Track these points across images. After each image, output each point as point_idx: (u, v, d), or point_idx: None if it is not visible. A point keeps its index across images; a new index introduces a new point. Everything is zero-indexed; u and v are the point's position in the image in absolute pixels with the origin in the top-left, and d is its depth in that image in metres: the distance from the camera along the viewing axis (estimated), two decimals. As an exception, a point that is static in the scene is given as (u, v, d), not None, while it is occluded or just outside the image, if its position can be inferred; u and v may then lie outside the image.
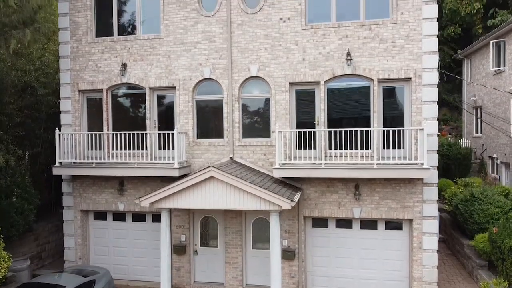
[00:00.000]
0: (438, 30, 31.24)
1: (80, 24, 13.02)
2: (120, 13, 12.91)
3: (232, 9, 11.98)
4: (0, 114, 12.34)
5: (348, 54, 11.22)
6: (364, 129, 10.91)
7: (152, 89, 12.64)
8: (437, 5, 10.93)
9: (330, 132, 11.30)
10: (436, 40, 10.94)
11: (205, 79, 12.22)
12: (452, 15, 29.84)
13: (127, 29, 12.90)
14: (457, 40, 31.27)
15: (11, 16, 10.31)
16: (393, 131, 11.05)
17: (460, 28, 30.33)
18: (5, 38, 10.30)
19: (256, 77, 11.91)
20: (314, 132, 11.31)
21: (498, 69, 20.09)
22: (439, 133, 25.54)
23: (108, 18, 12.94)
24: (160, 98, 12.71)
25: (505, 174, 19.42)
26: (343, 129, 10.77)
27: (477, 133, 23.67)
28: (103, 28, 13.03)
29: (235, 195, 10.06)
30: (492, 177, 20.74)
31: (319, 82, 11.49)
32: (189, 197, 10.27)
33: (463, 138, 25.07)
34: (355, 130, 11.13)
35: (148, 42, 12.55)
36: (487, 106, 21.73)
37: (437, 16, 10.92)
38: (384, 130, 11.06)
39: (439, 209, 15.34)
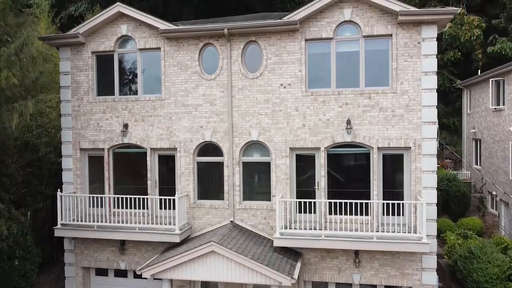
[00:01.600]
0: (438, 53, 31.43)
1: (82, 83, 13.10)
2: (121, 73, 12.97)
3: (233, 73, 12.05)
4: (2, 176, 12.43)
5: (348, 122, 11.30)
6: (364, 201, 10.98)
7: (153, 149, 12.72)
8: (436, 76, 11.01)
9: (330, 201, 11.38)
10: (435, 110, 11.02)
11: (206, 142, 12.30)
12: (452, 40, 29.91)
13: (129, 89, 12.97)
14: (456, 64, 31.34)
15: (14, 90, 10.38)
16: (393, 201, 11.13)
17: (460, 53, 30.39)
18: (7, 111, 10.37)
19: (257, 141, 11.99)
20: (314, 202, 11.37)
21: (497, 107, 20.16)
22: (439, 165, 25.61)
23: (110, 78, 13.01)
24: (161, 158, 12.79)
25: (505, 212, 19.49)
26: (342, 201, 10.83)
27: (477, 164, 23.75)
28: (104, 87, 13.10)
29: (236, 269, 10.16)
30: (491, 213, 20.82)
31: (319, 148, 11.57)
32: (190, 269, 10.37)
33: (463, 169, 25.14)
34: (355, 202, 11.22)
35: (150, 103, 12.62)
36: (487, 140, 21.80)
37: (436, 87, 11.00)
38: (384, 203, 11.15)
39: (438, 255, 15.42)
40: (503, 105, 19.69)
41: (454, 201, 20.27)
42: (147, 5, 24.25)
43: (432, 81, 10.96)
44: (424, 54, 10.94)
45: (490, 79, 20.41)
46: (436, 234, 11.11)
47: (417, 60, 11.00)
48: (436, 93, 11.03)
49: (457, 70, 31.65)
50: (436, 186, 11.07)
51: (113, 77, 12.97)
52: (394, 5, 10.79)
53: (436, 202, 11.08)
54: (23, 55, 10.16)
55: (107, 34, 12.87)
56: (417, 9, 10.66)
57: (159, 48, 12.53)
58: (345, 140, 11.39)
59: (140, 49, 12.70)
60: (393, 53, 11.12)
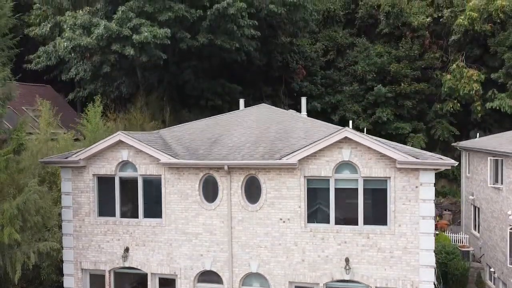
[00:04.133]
0: (437, 104, 31.61)
1: (83, 204, 13.23)
2: (122, 195, 13.10)
3: (233, 205, 12.18)
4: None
5: (347, 260, 11.43)
6: None
7: (154, 274, 12.85)
8: (434, 221, 11.14)
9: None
10: (433, 255, 11.15)
11: (206, 270, 12.44)
12: (451, 92, 30.03)
13: (130, 212, 13.09)
14: (456, 114, 31.46)
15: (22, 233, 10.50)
16: None
17: (459, 104, 30.51)
18: (10, 257, 10.51)
19: (257, 273, 12.12)
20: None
21: (495, 186, 20.27)
22: (436, 223, 25.71)
23: (111, 200, 13.13)
24: (162, 281, 12.91)
25: (503, 290, 19.63)
26: None
27: (475, 230, 23.86)
28: (106, 208, 13.23)
29: None
30: (490, 288, 20.96)
31: (318, 283, 11.71)
32: None
33: (462, 232, 25.26)
34: None
35: (150, 228, 12.76)
36: (485, 212, 21.92)
37: (434, 232, 11.13)
38: None
39: None
40: (501, 184, 19.79)
41: (452, 278, 20.39)
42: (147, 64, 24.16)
43: (430, 226, 11.08)
44: (422, 198, 11.07)
45: (489, 158, 20.52)
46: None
47: (415, 204, 11.13)
48: (433, 238, 11.17)
49: (456, 120, 31.77)
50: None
51: (114, 200, 13.10)
52: (392, 153, 10.91)
53: None
54: (26, 207, 10.30)
55: (108, 158, 13.00)
56: (415, 159, 10.79)
57: (160, 175, 12.67)
58: (344, 278, 11.52)
59: (141, 175, 12.84)
60: (391, 196, 11.26)
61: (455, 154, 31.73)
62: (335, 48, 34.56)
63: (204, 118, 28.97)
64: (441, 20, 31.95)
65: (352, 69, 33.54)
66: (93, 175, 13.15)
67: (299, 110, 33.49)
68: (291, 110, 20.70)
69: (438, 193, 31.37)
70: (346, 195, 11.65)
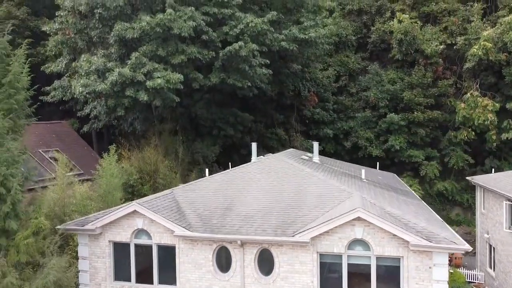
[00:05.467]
0: (451, 132, 31.28)
1: (99, 269, 13.48)
2: (138, 262, 13.31)
3: (246, 277, 12.30)
4: None
5: (360, 337, 11.46)
6: None
7: None
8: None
9: None
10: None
11: None
12: (465, 121, 29.73)
13: (145, 278, 13.30)
14: (470, 143, 31.11)
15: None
16: None
17: (473, 133, 30.18)
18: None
19: None
20: None
21: (511, 230, 20.04)
22: (450, 258, 25.48)
23: (127, 265, 13.35)
24: None
25: (519, 337, 19.39)
26: None
27: (491, 269, 23.59)
28: (121, 273, 13.45)
29: None
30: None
31: None
32: None
33: (477, 268, 24.99)
34: None
35: (165, 296, 12.96)
36: (501, 254, 21.66)
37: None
38: None
39: None
40: (517, 229, 19.56)
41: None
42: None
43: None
44: (436, 279, 11.04)
45: (504, 202, 20.29)
46: None
47: (428, 285, 11.10)
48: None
49: (471, 148, 31.42)
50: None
51: (130, 265, 13.33)
52: (405, 235, 10.91)
53: None
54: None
55: (123, 226, 13.24)
56: (428, 243, 10.77)
57: (174, 245, 12.85)
58: None
59: (155, 243, 13.04)
60: (404, 275, 11.25)
61: (470, 183, 31.40)
62: (347, 73, 34.47)
63: (217, 147, 29.67)
64: (454, 47, 31.64)
65: (364, 95, 33.41)
66: (109, 241, 13.40)
67: (311, 137, 33.72)
68: (307, 155, 20.66)
69: (452, 222, 31.07)
70: (359, 271, 11.67)
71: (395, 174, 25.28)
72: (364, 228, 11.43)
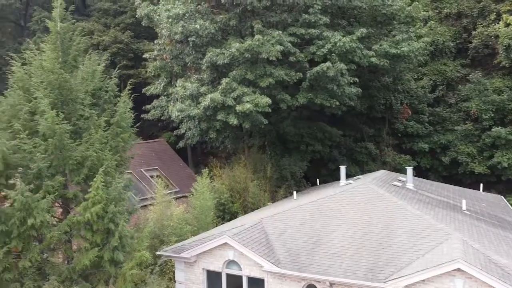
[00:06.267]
0: None
1: (194, 295, 14.30)
2: (229, 291, 13.86)
3: (335, 317, 12.11)
4: None
5: None
6: None
7: None
8: None
9: None
10: None
11: None
12: None
13: (235, 308, 13.81)
14: None
15: None
16: None
17: None
18: None
19: None
20: None
21: None
22: None
23: (218, 293, 13.99)
24: None
25: None
26: None
27: None
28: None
29: None
30: None
31: None
32: None
33: None
34: None
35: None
36: None
37: None
38: None
39: None
40: None
41: None
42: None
43: None
44: None
45: None
46: None
47: None
48: None
49: None
50: None
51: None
52: (514, 292, 9.84)
53: None
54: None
55: (216, 256, 13.88)
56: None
57: (263, 278, 13.13)
58: None
59: (245, 275, 13.45)
60: (513, 335, 10.15)
61: None
62: (445, 82, 32.06)
63: (304, 163, 29.54)
64: None
65: (464, 106, 30.78)
66: (203, 269, 14.16)
67: (403, 151, 32.01)
68: (399, 179, 19.67)
69: None
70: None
71: (502, 197, 22.85)
72: (465, 280, 10.55)
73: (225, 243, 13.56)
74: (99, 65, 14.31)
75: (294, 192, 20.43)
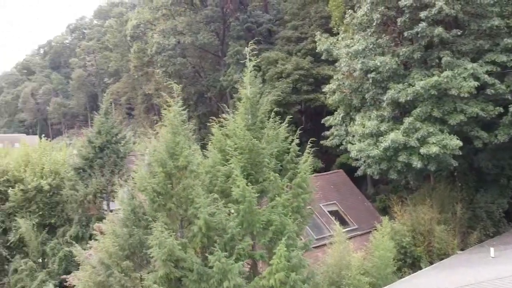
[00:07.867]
0: None
1: None
2: None
3: None
4: None
5: None
6: None
7: None
8: None
9: None
10: None
11: None
12: None
13: None
14: None
15: None
16: None
17: None
18: None
19: None
20: None
21: None
22: None
23: None
24: None
25: None
26: None
27: None
28: None
29: None
30: None
31: None
32: None
33: None
34: None
35: None
36: None
37: None
38: None
39: None
40: None
41: None
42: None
43: None
44: None
45: None
46: None
47: None
48: None
49: None
50: None
51: None
52: None
53: None
54: None
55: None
56: None
57: None
58: None
59: None
60: None
61: None
62: None
63: (505, 200, 25.31)
64: None
65: None
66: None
67: None
68: None
69: None
70: None
71: None
72: None
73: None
74: (280, 127, 15.23)
75: (491, 249, 17.69)
